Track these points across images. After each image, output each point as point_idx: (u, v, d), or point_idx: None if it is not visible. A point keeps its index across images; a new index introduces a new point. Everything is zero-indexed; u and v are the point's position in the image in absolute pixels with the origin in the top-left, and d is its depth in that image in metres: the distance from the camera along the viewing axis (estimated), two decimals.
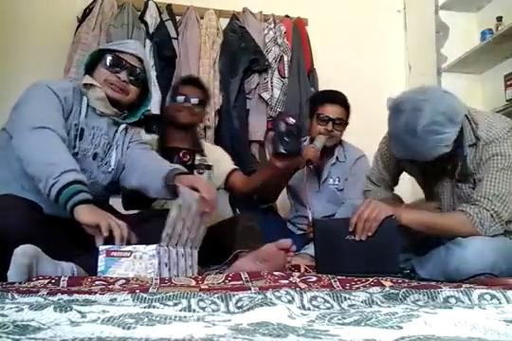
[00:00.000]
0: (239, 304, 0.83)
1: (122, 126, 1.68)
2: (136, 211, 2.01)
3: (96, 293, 0.92)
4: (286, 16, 3.26)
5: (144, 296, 0.89)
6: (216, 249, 1.70)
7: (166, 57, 2.90)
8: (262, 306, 0.78)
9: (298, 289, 0.96)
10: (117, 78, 1.60)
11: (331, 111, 2.24)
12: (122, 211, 1.92)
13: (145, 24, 2.92)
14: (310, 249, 1.83)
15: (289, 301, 0.87)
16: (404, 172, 1.90)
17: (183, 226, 1.39)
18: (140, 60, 1.66)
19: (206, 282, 1.16)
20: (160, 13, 3.01)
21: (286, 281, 1.17)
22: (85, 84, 1.60)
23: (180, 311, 0.80)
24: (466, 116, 1.54)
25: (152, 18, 2.96)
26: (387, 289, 0.98)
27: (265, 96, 3.02)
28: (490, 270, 1.39)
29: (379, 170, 1.87)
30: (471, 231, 1.47)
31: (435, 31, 3.10)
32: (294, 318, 0.73)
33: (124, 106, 1.68)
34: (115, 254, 1.28)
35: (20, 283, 1.13)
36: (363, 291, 0.96)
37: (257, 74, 3.05)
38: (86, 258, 1.36)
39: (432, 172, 1.68)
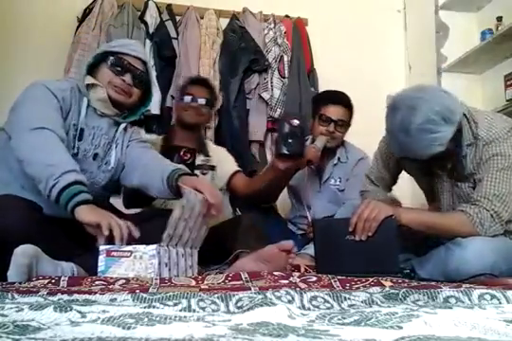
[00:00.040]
0: (239, 304, 0.83)
1: (122, 125, 1.68)
2: (136, 210, 2.02)
3: (96, 293, 0.92)
4: (286, 16, 3.26)
5: (144, 296, 0.89)
6: (218, 249, 1.71)
7: (166, 57, 2.90)
8: (262, 306, 0.78)
9: (298, 289, 0.96)
10: (121, 80, 1.60)
11: (333, 112, 2.23)
12: (123, 210, 1.92)
13: (145, 24, 2.92)
14: (310, 249, 1.83)
15: (289, 301, 0.87)
16: (403, 172, 1.90)
17: (185, 227, 1.39)
18: (143, 62, 1.66)
19: (206, 282, 1.16)
20: (160, 13, 3.01)
21: (286, 281, 1.17)
22: (87, 85, 1.59)
23: (180, 311, 0.80)
24: (464, 115, 1.54)
25: (152, 18, 2.96)
26: (387, 289, 0.98)
27: (265, 96, 3.02)
28: (490, 270, 1.39)
29: (379, 169, 1.87)
30: (471, 231, 1.47)
31: (435, 31, 3.10)
32: (294, 318, 0.73)
33: (125, 107, 1.68)
34: (115, 254, 1.28)
35: (20, 283, 1.13)
36: (363, 291, 0.96)
37: (257, 74, 3.05)
38: (86, 258, 1.36)
39: (432, 172, 1.68)
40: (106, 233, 1.30)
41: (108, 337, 0.57)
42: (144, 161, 1.66)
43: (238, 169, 2.24)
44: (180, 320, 0.70)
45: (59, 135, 1.45)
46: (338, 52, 3.27)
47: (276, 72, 3.08)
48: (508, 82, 2.73)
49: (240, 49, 3.01)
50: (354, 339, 0.59)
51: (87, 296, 0.88)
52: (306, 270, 1.55)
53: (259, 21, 3.19)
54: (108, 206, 1.68)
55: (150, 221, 1.52)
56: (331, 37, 3.30)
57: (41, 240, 1.27)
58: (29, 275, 1.18)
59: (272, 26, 3.19)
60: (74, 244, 1.47)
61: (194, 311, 0.81)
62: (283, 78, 3.09)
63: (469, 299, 0.91)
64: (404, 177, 1.94)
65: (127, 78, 1.61)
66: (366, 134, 2.28)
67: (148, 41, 2.89)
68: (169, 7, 3.06)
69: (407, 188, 2.61)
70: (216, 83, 2.97)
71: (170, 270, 1.33)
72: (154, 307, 0.80)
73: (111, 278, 1.19)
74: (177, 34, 2.99)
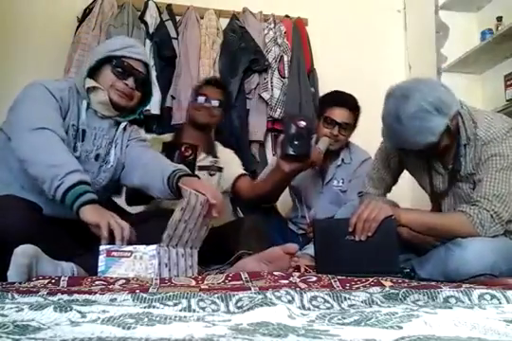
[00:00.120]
0: (239, 304, 0.83)
1: (122, 125, 1.68)
2: (139, 207, 2.02)
3: (96, 293, 0.92)
4: (286, 16, 3.26)
5: (144, 296, 0.89)
6: (221, 251, 1.71)
7: (166, 57, 2.90)
8: (262, 306, 0.78)
9: (298, 289, 0.96)
10: (124, 84, 1.60)
11: (338, 115, 2.21)
12: (126, 208, 1.92)
13: (145, 24, 2.93)
14: (310, 249, 1.82)
15: (289, 301, 0.87)
16: (404, 172, 1.90)
17: (185, 228, 1.39)
18: (145, 64, 1.66)
19: (206, 282, 1.16)
20: (160, 13, 3.01)
21: (286, 281, 1.17)
22: (88, 88, 1.58)
23: (180, 311, 0.80)
24: (462, 114, 1.55)
25: (152, 18, 2.96)
26: (387, 289, 0.98)
27: (265, 96, 3.02)
28: (490, 270, 1.39)
29: (379, 170, 1.87)
30: (471, 232, 1.47)
31: (435, 31, 3.10)
32: (294, 318, 0.73)
33: (128, 109, 1.68)
34: (115, 254, 1.28)
35: (20, 283, 1.13)
36: (363, 291, 0.96)
37: (257, 74, 3.05)
38: (86, 258, 1.36)
39: (432, 171, 1.68)
40: (105, 234, 1.30)
41: (108, 337, 0.57)
42: (144, 160, 1.65)
43: (243, 172, 2.24)
44: (180, 320, 0.70)
45: (60, 135, 1.45)
46: (338, 52, 3.27)
47: (276, 72, 3.08)
48: (508, 82, 2.73)
49: (240, 49, 3.01)
50: (354, 339, 0.59)
51: (87, 296, 0.88)
52: (306, 270, 1.55)
53: (259, 21, 3.19)
54: (112, 205, 1.69)
55: (150, 221, 1.52)
56: (331, 37, 3.30)
57: (41, 240, 1.27)
58: (29, 275, 1.18)
59: (272, 26, 3.19)
60: (74, 245, 1.47)
61: (194, 311, 0.81)
62: (283, 78, 3.09)
63: (469, 299, 0.91)
64: (404, 177, 1.94)
65: (130, 82, 1.61)
66: (366, 134, 2.28)
67: (148, 41, 2.89)
68: (169, 7, 3.06)
69: (407, 188, 2.61)
70: None
71: (170, 270, 1.33)
72: (154, 307, 0.80)
73: (111, 278, 1.19)
74: (177, 34, 2.99)
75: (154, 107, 2.83)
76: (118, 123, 1.68)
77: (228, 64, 3.01)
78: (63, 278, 1.14)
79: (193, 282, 1.16)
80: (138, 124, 2.66)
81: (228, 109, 2.39)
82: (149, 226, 1.43)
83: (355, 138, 2.39)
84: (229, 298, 0.85)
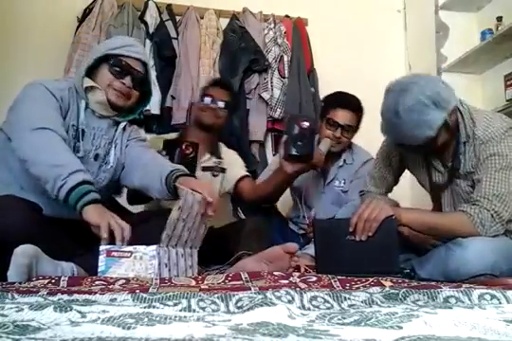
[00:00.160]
0: (239, 304, 0.83)
1: (122, 125, 1.67)
2: (139, 206, 2.02)
3: (96, 293, 0.92)
4: (286, 16, 3.26)
5: (144, 296, 0.89)
6: (222, 251, 1.71)
7: (166, 57, 2.90)
8: (262, 306, 0.78)
9: (298, 289, 0.96)
10: (121, 83, 1.59)
11: (341, 116, 2.19)
12: (128, 207, 1.93)
13: (145, 24, 2.93)
14: (310, 249, 1.82)
15: (289, 301, 0.87)
16: (405, 172, 1.90)
17: (183, 227, 1.39)
18: (144, 63, 1.65)
19: (206, 282, 1.16)
20: (160, 13, 3.01)
21: (286, 281, 1.17)
22: (86, 87, 1.58)
23: (180, 311, 0.80)
24: (461, 111, 1.56)
25: (152, 18, 2.96)
26: (387, 289, 0.98)
27: (265, 96, 3.02)
28: (491, 270, 1.39)
29: (380, 169, 1.87)
30: (472, 231, 1.47)
31: (435, 31, 3.10)
32: (294, 318, 0.73)
33: (124, 109, 1.67)
34: (115, 254, 1.28)
35: (20, 283, 1.13)
36: (363, 291, 0.96)
37: (257, 74, 3.05)
38: (86, 258, 1.36)
39: (431, 168, 1.69)
40: (105, 235, 1.30)
41: (108, 337, 0.57)
42: (144, 161, 1.65)
43: (246, 173, 2.24)
44: (180, 320, 0.70)
45: (61, 135, 1.45)
46: (338, 52, 3.27)
47: (276, 72, 3.08)
48: (508, 82, 2.73)
49: (240, 49, 3.01)
50: (354, 339, 0.59)
51: (87, 296, 0.88)
52: (306, 270, 1.55)
53: (259, 21, 3.19)
54: (114, 204, 1.69)
55: (151, 220, 1.52)
56: (331, 37, 3.30)
57: (41, 240, 1.27)
58: (29, 275, 1.18)
59: (272, 26, 3.19)
60: (74, 245, 1.47)
61: (194, 311, 0.81)
62: (283, 78, 3.09)
63: (469, 299, 0.91)
64: (405, 176, 1.94)
65: (127, 81, 1.60)
66: (366, 134, 2.28)
67: (148, 41, 2.89)
68: (169, 7, 3.06)
69: (407, 187, 2.61)
70: None
71: (170, 270, 1.33)
72: (154, 307, 0.80)
73: (111, 278, 1.19)
74: (177, 34, 2.99)
75: (154, 107, 2.83)
76: (117, 123, 1.67)
77: (228, 64, 3.01)
78: (63, 278, 1.14)
79: (193, 282, 1.16)
80: (138, 124, 2.66)
81: (234, 111, 2.38)
82: (150, 226, 1.43)
83: (355, 138, 2.39)
84: (229, 298, 0.85)
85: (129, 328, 0.63)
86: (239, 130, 2.94)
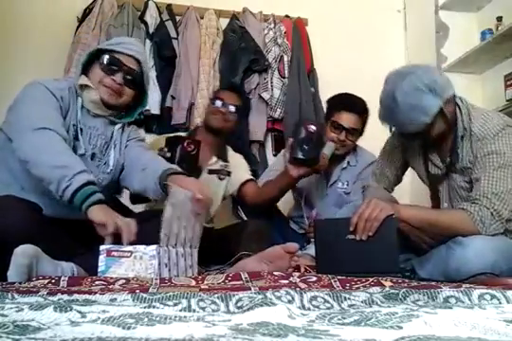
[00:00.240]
0: (239, 304, 0.83)
1: (117, 126, 1.67)
2: (141, 206, 2.03)
3: (96, 293, 0.92)
4: (286, 16, 3.26)
5: (144, 296, 0.89)
6: (223, 252, 1.72)
7: (166, 57, 2.91)
8: (262, 306, 0.78)
9: (298, 289, 0.96)
10: (111, 80, 1.57)
11: (346, 119, 2.17)
12: (130, 206, 1.93)
13: (145, 24, 2.93)
14: (311, 249, 1.83)
15: (289, 301, 0.87)
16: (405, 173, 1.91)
17: (179, 226, 1.40)
18: (138, 61, 1.62)
19: (206, 282, 1.16)
20: (160, 13, 3.01)
21: (286, 281, 1.17)
22: (81, 85, 1.58)
23: (180, 311, 0.80)
24: (459, 106, 1.59)
25: (152, 18, 2.96)
26: (387, 289, 0.98)
27: (265, 96, 3.02)
28: (491, 269, 1.39)
29: (383, 166, 1.88)
30: (472, 229, 1.46)
31: (435, 31, 3.10)
32: (294, 318, 0.73)
33: (120, 108, 1.66)
34: (115, 254, 1.28)
35: (20, 283, 1.13)
36: (363, 291, 0.96)
37: (257, 74, 3.05)
38: (86, 258, 1.36)
39: (428, 162, 1.69)
40: (110, 230, 1.31)
41: (108, 337, 0.57)
42: (143, 162, 1.64)
43: (250, 177, 2.24)
44: (180, 320, 0.70)
45: (62, 136, 1.45)
46: (338, 52, 3.27)
47: (276, 72, 3.08)
48: (508, 82, 2.73)
49: (240, 49, 3.01)
50: (354, 339, 0.59)
51: (87, 296, 0.88)
52: (306, 270, 1.55)
53: (259, 21, 3.19)
54: (117, 204, 1.69)
55: (152, 220, 1.52)
56: (331, 37, 3.30)
57: (41, 240, 1.27)
58: (29, 275, 1.18)
59: (272, 26, 3.19)
60: (74, 245, 1.47)
61: (194, 311, 0.81)
62: (283, 78, 3.09)
63: (469, 299, 0.91)
64: (405, 175, 1.94)
65: (118, 77, 1.58)
66: (366, 133, 2.28)
67: (148, 41, 2.89)
68: (169, 7, 3.06)
69: (407, 184, 2.61)
70: (216, 83, 2.98)
71: (170, 270, 1.33)
72: (154, 307, 0.80)
73: (111, 278, 1.19)
74: (177, 34, 2.99)
75: (154, 107, 2.83)
76: (113, 123, 1.67)
77: (228, 64, 3.01)
78: (63, 278, 1.14)
79: (193, 282, 1.16)
80: (138, 124, 2.66)
81: (244, 116, 2.37)
82: (150, 226, 1.43)
83: None
84: (229, 298, 0.85)
85: (129, 328, 0.63)
86: (239, 130, 2.94)
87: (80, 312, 0.72)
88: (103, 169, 1.63)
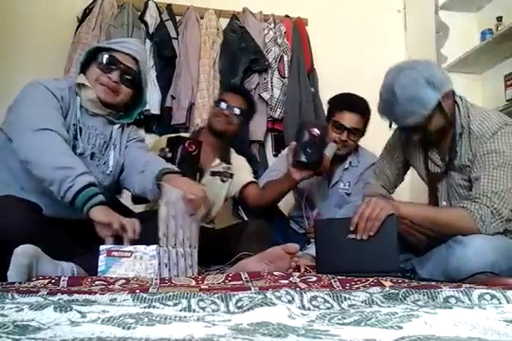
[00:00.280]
0: (239, 304, 0.83)
1: (116, 126, 1.66)
2: (141, 206, 2.03)
3: (96, 293, 0.92)
4: (286, 16, 3.26)
5: (144, 296, 0.89)
6: (224, 252, 1.72)
7: (166, 57, 2.90)
8: (262, 306, 0.78)
9: (298, 289, 0.96)
10: (108, 78, 1.57)
11: (348, 119, 2.16)
12: (131, 207, 1.93)
13: (145, 24, 2.92)
14: (311, 249, 1.82)
15: (289, 301, 0.87)
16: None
17: (176, 225, 1.40)
18: (136, 60, 1.61)
19: (206, 282, 1.16)
20: (160, 13, 3.01)
21: (286, 281, 1.17)
22: (79, 84, 1.58)
23: (180, 311, 0.80)
24: (457, 102, 1.60)
25: (152, 18, 2.96)
26: (387, 289, 0.98)
27: (265, 96, 3.02)
28: (491, 269, 1.39)
29: (383, 164, 1.89)
30: (471, 227, 1.46)
31: (435, 31, 3.10)
32: (294, 318, 0.73)
33: (119, 107, 1.66)
34: (115, 254, 1.28)
35: (20, 283, 1.13)
36: (363, 291, 0.96)
37: (257, 74, 3.05)
38: (86, 258, 1.36)
39: (428, 160, 1.69)
40: (116, 228, 1.32)
41: (108, 337, 0.57)
42: (143, 163, 1.64)
43: (252, 179, 2.23)
44: (180, 320, 0.70)
45: (63, 136, 1.45)
46: (338, 52, 3.27)
47: (276, 72, 3.08)
48: (508, 82, 2.73)
49: (240, 49, 3.01)
50: (354, 339, 0.59)
51: (87, 296, 0.88)
52: (306, 270, 1.55)
53: (259, 21, 3.19)
54: (117, 204, 1.69)
55: (152, 220, 1.52)
56: (331, 37, 3.30)
57: (41, 240, 1.27)
58: (29, 275, 1.18)
59: (272, 26, 3.19)
60: (74, 245, 1.47)
61: (194, 311, 0.81)
62: (283, 78, 3.09)
63: (469, 299, 0.91)
64: (405, 176, 1.95)
65: (114, 75, 1.57)
66: (367, 134, 2.28)
67: (148, 41, 2.89)
68: (169, 7, 3.06)
69: (408, 186, 2.61)
70: (216, 83, 2.98)
71: (170, 270, 1.33)
72: (154, 307, 0.80)
73: (111, 278, 1.19)
74: (177, 34, 2.99)
75: (154, 107, 2.83)
76: (112, 122, 1.66)
77: (228, 64, 3.01)
78: (63, 278, 1.14)
79: (193, 282, 1.16)
80: (138, 124, 2.66)
81: (249, 119, 2.35)
82: (150, 226, 1.43)
83: None
84: (229, 298, 0.85)
85: (129, 328, 0.63)
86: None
87: (80, 312, 0.72)
88: (103, 168, 1.63)
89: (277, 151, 3.04)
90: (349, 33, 3.35)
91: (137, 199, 1.99)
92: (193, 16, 3.06)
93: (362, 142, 2.34)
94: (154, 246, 1.28)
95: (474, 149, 1.56)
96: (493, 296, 0.90)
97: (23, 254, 1.18)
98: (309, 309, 0.86)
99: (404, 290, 0.94)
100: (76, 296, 0.88)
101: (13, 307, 0.73)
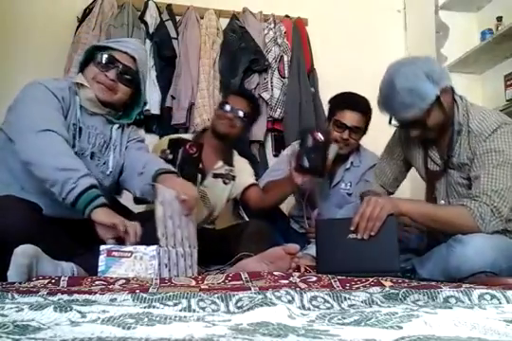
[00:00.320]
0: (239, 304, 0.83)
1: (115, 126, 1.66)
2: (142, 206, 2.03)
3: (96, 293, 0.92)
4: (286, 16, 3.26)
5: (144, 296, 0.89)
6: (224, 253, 1.72)
7: (166, 57, 2.91)
8: (262, 306, 0.78)
9: (298, 289, 0.96)
10: (105, 76, 1.56)
11: (349, 118, 2.15)
12: (131, 207, 1.93)
13: (145, 24, 2.93)
14: (311, 250, 1.82)
15: (289, 301, 0.87)
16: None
17: (174, 225, 1.40)
18: (134, 59, 1.60)
19: (206, 282, 1.16)
20: (160, 13, 3.01)
21: (286, 281, 1.17)
22: (77, 83, 1.58)
23: (180, 311, 0.80)
24: (456, 100, 1.61)
25: (152, 18, 2.96)
26: (387, 289, 0.98)
27: (265, 96, 3.02)
28: (490, 268, 1.39)
29: (383, 163, 1.89)
30: (471, 225, 1.46)
31: (435, 31, 3.10)
32: (294, 318, 0.73)
33: (117, 105, 1.66)
34: (115, 254, 1.28)
35: (20, 283, 1.13)
36: (363, 291, 0.96)
37: (257, 74, 3.05)
38: (86, 258, 1.36)
39: (427, 159, 1.70)
40: (122, 230, 1.33)
41: (108, 337, 0.57)
42: (142, 164, 1.63)
43: (254, 182, 2.23)
44: (180, 320, 0.70)
45: (64, 137, 1.45)
46: (338, 52, 3.27)
47: (276, 72, 3.08)
48: (508, 82, 2.73)
49: (240, 49, 3.01)
50: (354, 339, 0.59)
51: (87, 296, 0.88)
52: (306, 270, 1.55)
53: (259, 21, 3.19)
54: (117, 205, 1.69)
55: (150, 221, 1.52)
56: (331, 37, 3.30)
57: (41, 240, 1.27)
58: (29, 275, 1.18)
59: (272, 26, 3.19)
60: (74, 245, 1.47)
61: (194, 311, 0.81)
62: (283, 78, 3.09)
63: (469, 299, 0.91)
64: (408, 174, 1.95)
65: (111, 73, 1.57)
66: (368, 134, 2.27)
67: (148, 41, 2.89)
68: (169, 7, 3.06)
69: (409, 184, 2.61)
70: (216, 83, 2.98)
71: (170, 271, 1.33)
72: (154, 307, 0.80)
73: (111, 278, 1.19)
74: (177, 34, 2.99)
75: (154, 107, 2.83)
76: (111, 122, 1.66)
77: (228, 64, 3.01)
78: (63, 278, 1.14)
79: (193, 282, 1.16)
80: (138, 124, 2.66)
81: (252, 122, 2.34)
82: (150, 226, 1.43)
83: None
84: (229, 298, 0.85)
85: (129, 328, 0.63)
86: None
87: (80, 312, 0.72)
88: (102, 168, 1.63)
89: (277, 151, 3.04)
90: (349, 33, 3.35)
91: (138, 199, 1.99)
92: (193, 16, 3.07)
93: (363, 142, 2.35)
94: (154, 247, 1.28)
95: (473, 147, 1.56)
96: (493, 296, 0.90)
97: (23, 254, 1.18)
98: (309, 309, 0.86)
99: (404, 290, 0.94)
100: (76, 296, 0.88)
101: (13, 307, 0.73)
